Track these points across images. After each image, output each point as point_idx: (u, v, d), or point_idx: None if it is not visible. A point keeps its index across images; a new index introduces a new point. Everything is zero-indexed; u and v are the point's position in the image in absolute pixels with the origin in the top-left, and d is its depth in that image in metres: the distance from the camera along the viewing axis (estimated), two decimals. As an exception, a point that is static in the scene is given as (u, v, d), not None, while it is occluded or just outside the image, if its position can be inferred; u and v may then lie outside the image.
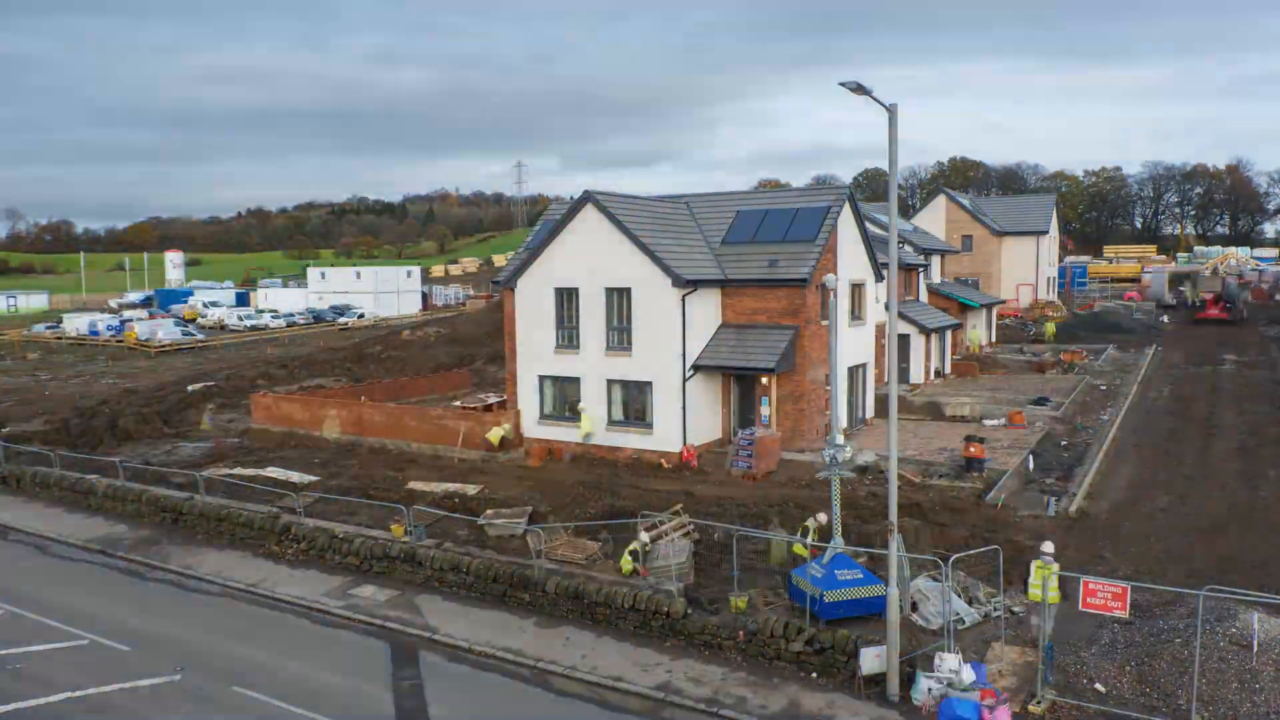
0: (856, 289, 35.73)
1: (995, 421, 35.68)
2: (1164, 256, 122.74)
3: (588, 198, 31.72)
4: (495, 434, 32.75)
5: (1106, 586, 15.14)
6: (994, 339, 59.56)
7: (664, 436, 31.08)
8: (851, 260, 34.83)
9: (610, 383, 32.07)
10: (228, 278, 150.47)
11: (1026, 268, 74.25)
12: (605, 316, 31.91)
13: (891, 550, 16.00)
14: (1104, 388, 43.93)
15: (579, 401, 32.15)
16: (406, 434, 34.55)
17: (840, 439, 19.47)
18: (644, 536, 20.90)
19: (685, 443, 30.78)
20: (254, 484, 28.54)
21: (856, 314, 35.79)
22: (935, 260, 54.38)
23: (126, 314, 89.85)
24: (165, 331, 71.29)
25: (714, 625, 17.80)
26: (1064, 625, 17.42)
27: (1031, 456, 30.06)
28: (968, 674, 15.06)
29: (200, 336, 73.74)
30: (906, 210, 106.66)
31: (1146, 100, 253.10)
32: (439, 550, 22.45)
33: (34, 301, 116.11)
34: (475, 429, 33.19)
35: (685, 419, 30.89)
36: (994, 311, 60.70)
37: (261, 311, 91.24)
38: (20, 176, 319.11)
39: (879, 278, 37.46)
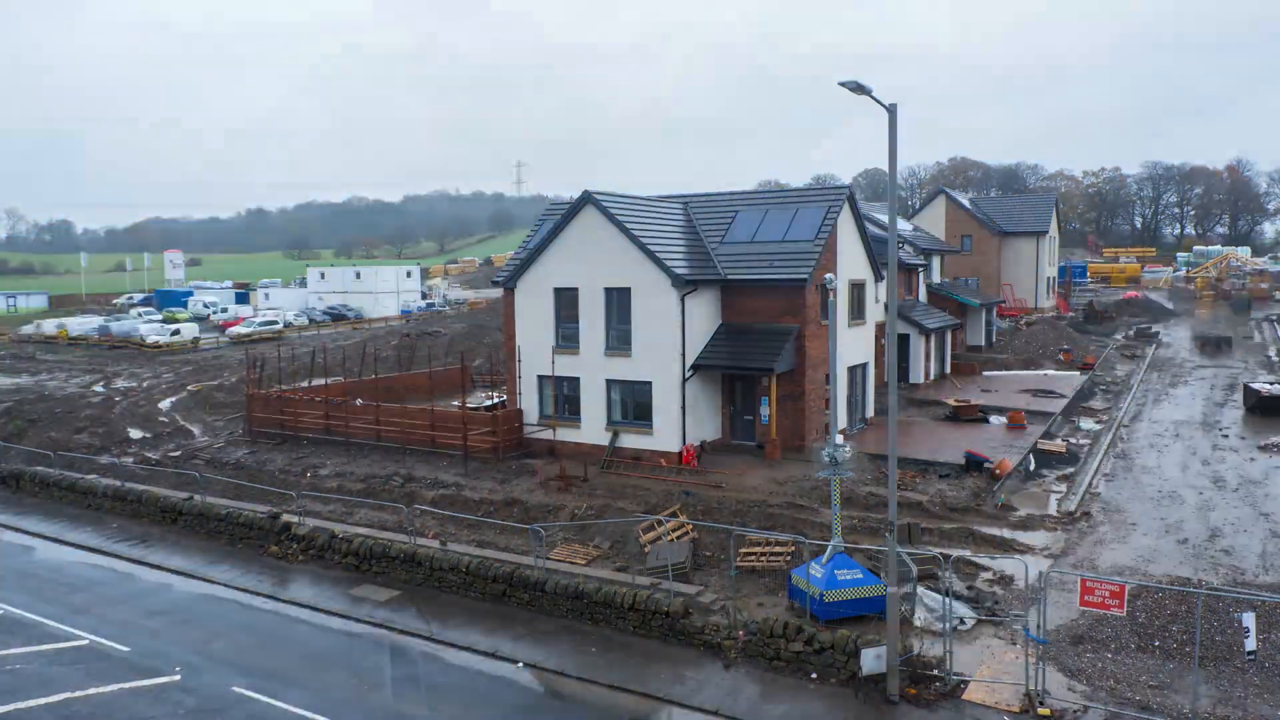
0: (856, 289, 35.73)
1: (996, 420, 35.61)
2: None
3: (587, 198, 31.71)
4: None
5: (1104, 584, 15.14)
6: (993, 340, 59.49)
7: (664, 436, 31.07)
8: (851, 260, 34.83)
9: (610, 383, 32.06)
10: (226, 278, 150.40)
11: (1027, 267, 74.19)
12: (605, 317, 31.90)
13: (891, 550, 15.99)
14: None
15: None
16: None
17: (839, 439, 19.46)
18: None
19: (685, 442, 30.77)
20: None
21: (856, 314, 35.79)
22: (935, 260, 54.40)
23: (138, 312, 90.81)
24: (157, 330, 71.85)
25: (714, 625, 17.81)
26: (1065, 623, 17.42)
27: (1032, 455, 30.07)
28: None
29: (204, 337, 74.19)
30: (906, 210, 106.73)
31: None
32: (440, 551, 22.44)
33: (34, 302, 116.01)
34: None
35: (685, 419, 30.89)
36: (994, 311, 60.66)
37: (262, 312, 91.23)
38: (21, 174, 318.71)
39: (879, 278, 37.47)
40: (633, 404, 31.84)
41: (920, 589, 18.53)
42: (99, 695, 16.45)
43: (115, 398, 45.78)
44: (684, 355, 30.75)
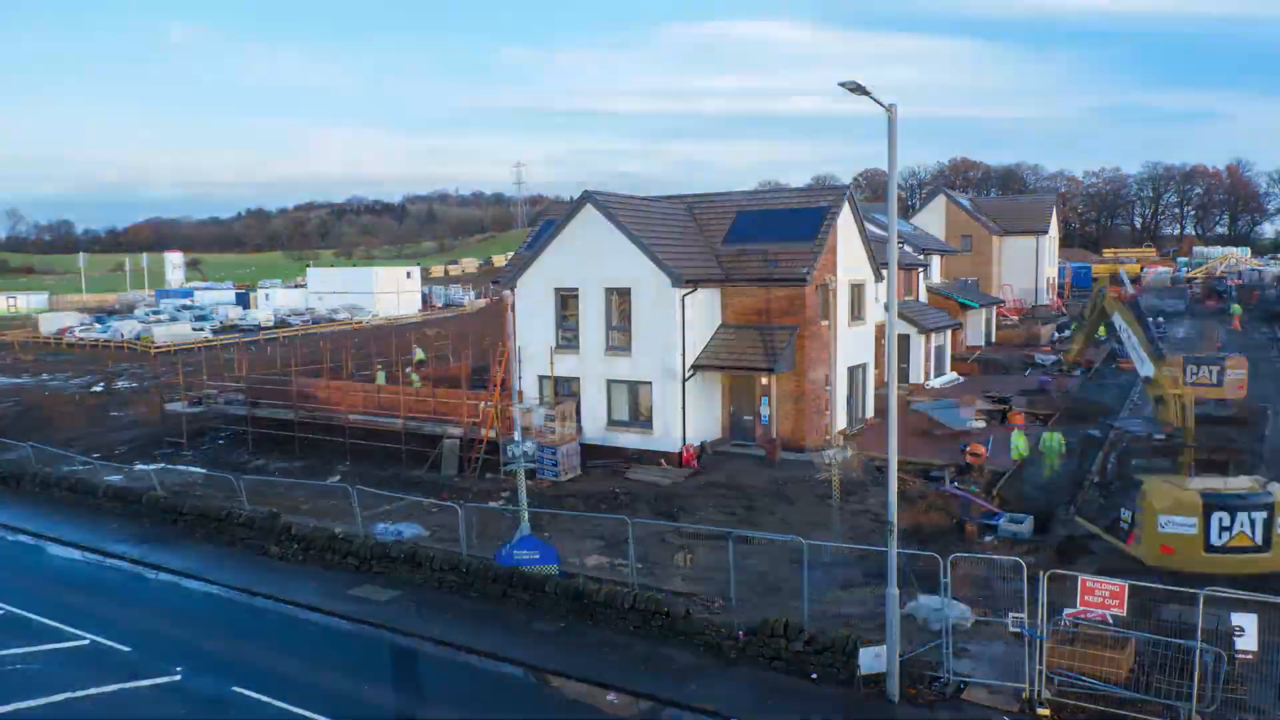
0: (856, 289, 35.74)
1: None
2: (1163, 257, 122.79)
3: (587, 198, 31.74)
4: None
5: (1104, 584, 15.12)
6: (994, 340, 59.49)
7: (664, 436, 31.09)
8: (851, 260, 34.84)
9: (610, 382, 32.09)
10: (227, 278, 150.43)
11: (1026, 268, 74.17)
12: (605, 317, 31.94)
13: (890, 551, 15.99)
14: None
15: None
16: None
17: (519, 436, 22.14)
18: None
19: (685, 442, 30.79)
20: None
21: (856, 314, 35.80)
22: (935, 260, 54.39)
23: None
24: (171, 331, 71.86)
25: (714, 625, 17.80)
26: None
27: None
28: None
29: (209, 335, 74.29)
30: (906, 210, 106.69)
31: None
32: (440, 551, 22.44)
33: (34, 301, 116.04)
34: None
35: (685, 419, 30.90)
36: (994, 311, 60.71)
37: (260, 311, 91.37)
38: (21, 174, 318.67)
39: (879, 278, 37.49)
40: (633, 404, 31.86)
41: (919, 598, 18.52)
42: (99, 695, 16.45)
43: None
44: (684, 355, 30.77)
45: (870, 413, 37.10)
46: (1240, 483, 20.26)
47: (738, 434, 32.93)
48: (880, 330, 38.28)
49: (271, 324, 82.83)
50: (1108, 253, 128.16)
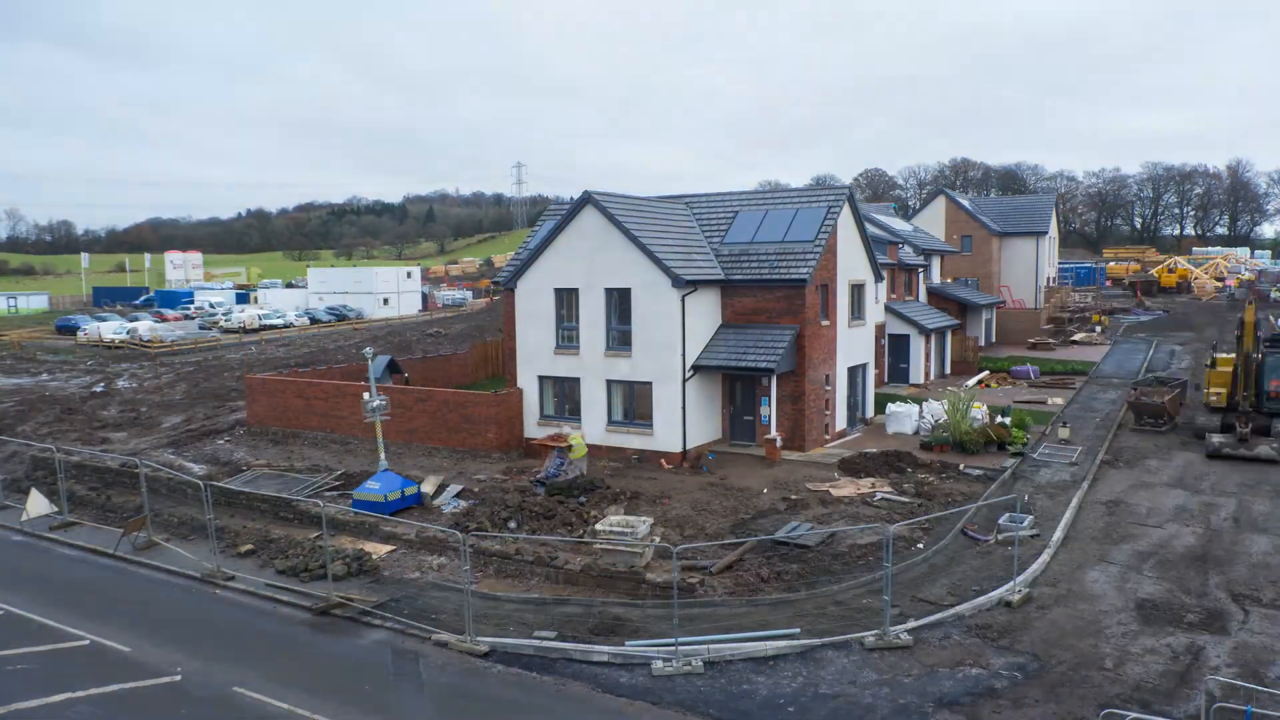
0: (856, 289, 35.75)
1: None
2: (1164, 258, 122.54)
3: (588, 198, 31.74)
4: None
5: None
6: (994, 340, 59.53)
7: (664, 436, 31.10)
8: (851, 261, 34.86)
9: (610, 383, 32.09)
10: (227, 278, 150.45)
11: (1026, 268, 74.14)
12: (605, 317, 31.94)
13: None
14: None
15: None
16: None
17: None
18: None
19: (685, 443, 30.76)
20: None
21: (856, 314, 35.81)
22: (935, 260, 54.47)
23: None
24: (170, 331, 72.05)
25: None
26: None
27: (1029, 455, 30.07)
28: None
29: (215, 335, 74.69)
30: (906, 210, 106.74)
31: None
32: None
33: (34, 302, 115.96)
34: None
35: (685, 419, 30.90)
36: (994, 312, 60.74)
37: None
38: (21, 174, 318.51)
39: (879, 278, 37.50)
40: (633, 404, 31.87)
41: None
42: (99, 695, 16.44)
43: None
44: (684, 355, 30.78)
45: (870, 413, 37.11)
46: None
47: (738, 434, 32.93)
48: (880, 330, 38.31)
49: (255, 325, 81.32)
50: (1107, 252, 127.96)
